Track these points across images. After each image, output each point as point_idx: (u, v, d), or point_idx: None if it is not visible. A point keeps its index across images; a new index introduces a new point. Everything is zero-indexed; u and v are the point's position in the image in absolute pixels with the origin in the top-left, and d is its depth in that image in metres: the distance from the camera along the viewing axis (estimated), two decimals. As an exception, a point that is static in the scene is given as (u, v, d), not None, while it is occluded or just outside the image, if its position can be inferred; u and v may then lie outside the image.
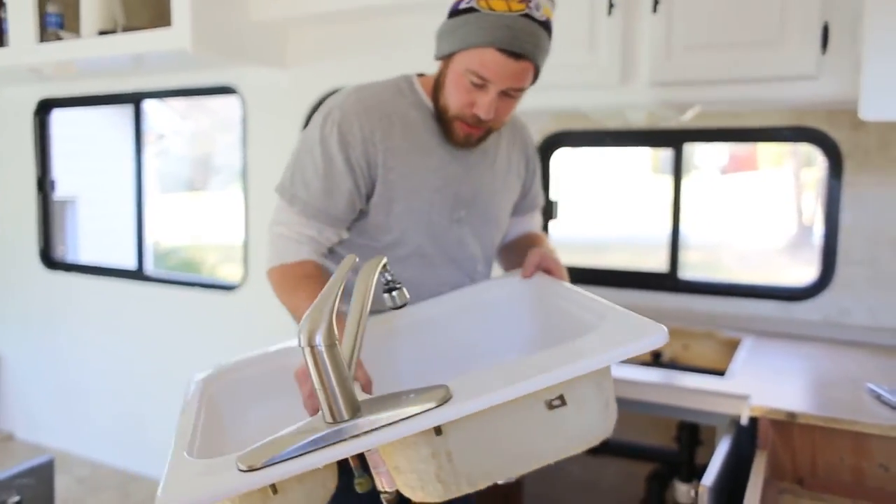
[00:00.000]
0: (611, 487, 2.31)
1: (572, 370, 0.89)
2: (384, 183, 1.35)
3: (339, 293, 0.86)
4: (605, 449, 2.16)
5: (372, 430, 0.82)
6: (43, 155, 3.66)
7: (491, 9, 1.22)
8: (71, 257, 6.19)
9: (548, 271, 1.47)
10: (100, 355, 3.57)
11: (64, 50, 2.73)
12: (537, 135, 2.48)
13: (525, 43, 1.24)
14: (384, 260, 1.07)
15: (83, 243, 6.96)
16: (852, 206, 2.07)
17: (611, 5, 1.88)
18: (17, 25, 2.80)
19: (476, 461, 0.90)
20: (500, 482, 0.94)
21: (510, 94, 1.30)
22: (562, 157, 2.53)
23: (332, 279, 0.89)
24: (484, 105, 1.29)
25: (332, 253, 1.44)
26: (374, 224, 1.39)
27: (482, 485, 0.92)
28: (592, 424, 1.04)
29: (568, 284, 1.39)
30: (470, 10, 1.25)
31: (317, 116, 1.38)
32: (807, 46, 1.71)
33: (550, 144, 2.49)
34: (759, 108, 2.08)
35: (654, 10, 1.84)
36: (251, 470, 0.78)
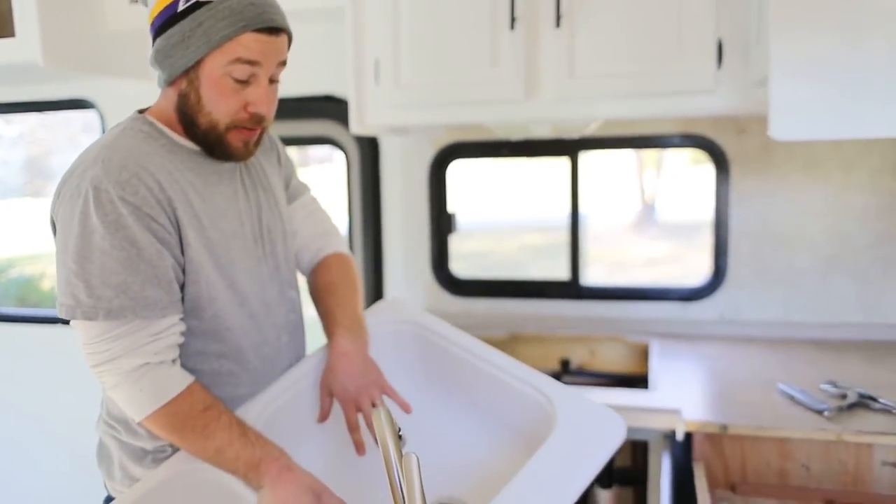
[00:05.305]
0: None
1: (576, 491, 0.99)
2: (188, 246, 1.14)
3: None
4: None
5: None
6: None
7: None
8: None
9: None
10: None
11: None
12: (431, 147, 2.42)
13: (274, 14, 1.12)
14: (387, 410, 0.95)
15: None
16: (739, 207, 2.18)
17: (513, 19, 1.84)
18: None
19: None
20: None
21: (273, 80, 1.17)
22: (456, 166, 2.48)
23: (388, 468, 0.86)
24: (260, 98, 1.14)
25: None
26: (193, 298, 1.16)
27: None
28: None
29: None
30: (195, 5, 1.08)
31: (73, 209, 1.06)
32: (703, 62, 1.76)
33: (445, 156, 2.44)
34: (660, 120, 2.14)
35: (557, 24, 1.82)
36: None
